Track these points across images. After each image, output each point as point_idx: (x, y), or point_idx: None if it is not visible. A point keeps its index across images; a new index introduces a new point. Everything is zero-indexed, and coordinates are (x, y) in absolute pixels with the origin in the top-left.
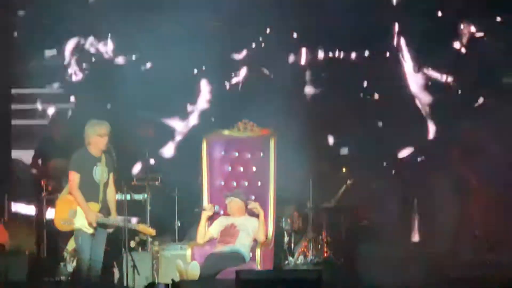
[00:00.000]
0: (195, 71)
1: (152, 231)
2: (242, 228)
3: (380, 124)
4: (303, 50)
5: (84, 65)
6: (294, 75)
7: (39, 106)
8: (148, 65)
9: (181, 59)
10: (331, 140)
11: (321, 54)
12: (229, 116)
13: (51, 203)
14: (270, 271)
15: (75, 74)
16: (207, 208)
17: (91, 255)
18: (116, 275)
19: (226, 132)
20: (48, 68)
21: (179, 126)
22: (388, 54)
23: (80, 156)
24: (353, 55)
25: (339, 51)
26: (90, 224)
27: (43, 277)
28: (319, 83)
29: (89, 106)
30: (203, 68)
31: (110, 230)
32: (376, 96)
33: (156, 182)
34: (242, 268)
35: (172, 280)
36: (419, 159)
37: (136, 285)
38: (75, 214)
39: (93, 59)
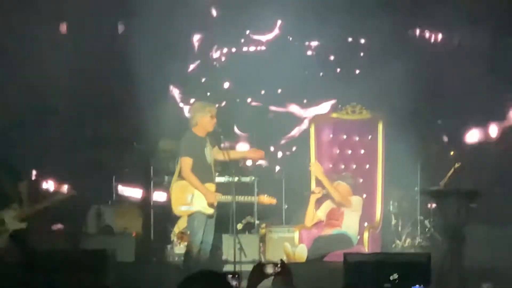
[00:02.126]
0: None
1: (274, 200)
2: (347, 209)
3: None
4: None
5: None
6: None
7: None
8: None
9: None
10: (439, 123)
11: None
12: (337, 99)
13: (158, 185)
14: (378, 254)
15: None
16: (317, 191)
17: (203, 238)
18: (224, 257)
19: (334, 114)
20: None
21: (290, 109)
22: None
23: (190, 140)
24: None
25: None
26: (211, 205)
27: (150, 259)
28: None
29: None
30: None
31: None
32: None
33: (263, 164)
34: (349, 251)
35: (281, 260)
36: None
37: (242, 268)
38: (192, 197)
39: None
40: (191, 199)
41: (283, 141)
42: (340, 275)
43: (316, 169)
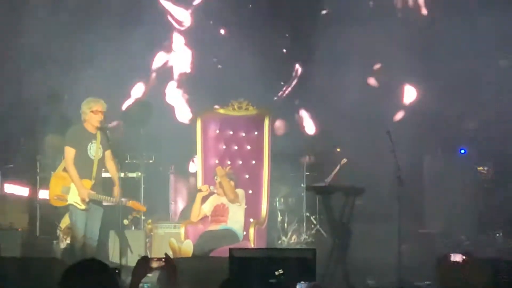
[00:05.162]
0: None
1: (143, 207)
2: (231, 205)
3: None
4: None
5: None
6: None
7: None
8: None
9: None
10: (327, 118)
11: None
12: (223, 95)
13: (45, 180)
14: (264, 249)
15: None
16: (203, 189)
17: (86, 233)
18: (110, 252)
19: (221, 110)
20: None
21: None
22: None
23: (76, 132)
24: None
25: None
26: (82, 200)
27: (36, 254)
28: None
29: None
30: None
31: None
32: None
33: (150, 160)
34: (235, 246)
35: (166, 254)
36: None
37: (129, 263)
38: (68, 190)
39: None
40: (67, 191)
41: (170, 137)
42: (225, 270)
43: (220, 173)
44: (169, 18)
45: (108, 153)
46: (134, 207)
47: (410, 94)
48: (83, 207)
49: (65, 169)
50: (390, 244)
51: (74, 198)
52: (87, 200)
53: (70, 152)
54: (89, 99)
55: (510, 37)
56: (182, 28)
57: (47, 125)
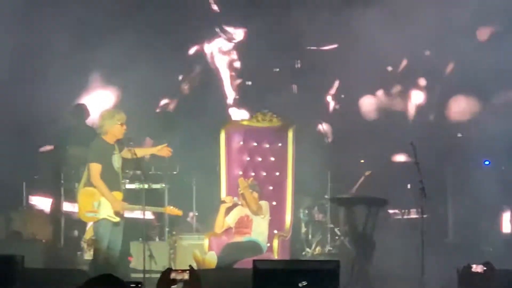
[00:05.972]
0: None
1: (180, 212)
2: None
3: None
4: None
5: None
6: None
7: None
8: None
9: None
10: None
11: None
12: (248, 106)
13: (69, 192)
14: (288, 261)
15: None
16: (227, 200)
17: (109, 244)
18: (133, 263)
19: (244, 122)
20: None
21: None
22: None
23: (98, 146)
24: None
25: None
26: (116, 213)
27: (60, 265)
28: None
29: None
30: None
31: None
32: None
33: (174, 172)
34: (259, 258)
35: (190, 266)
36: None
37: (152, 275)
38: (99, 204)
39: None
40: (97, 206)
41: (194, 148)
42: (249, 281)
43: (242, 185)
44: (218, 31)
45: (124, 152)
46: (171, 213)
47: (433, 105)
48: (117, 219)
49: (88, 184)
50: (413, 255)
51: (107, 212)
52: (122, 212)
53: (96, 168)
54: (112, 111)
55: None
56: (234, 42)
57: (71, 136)
